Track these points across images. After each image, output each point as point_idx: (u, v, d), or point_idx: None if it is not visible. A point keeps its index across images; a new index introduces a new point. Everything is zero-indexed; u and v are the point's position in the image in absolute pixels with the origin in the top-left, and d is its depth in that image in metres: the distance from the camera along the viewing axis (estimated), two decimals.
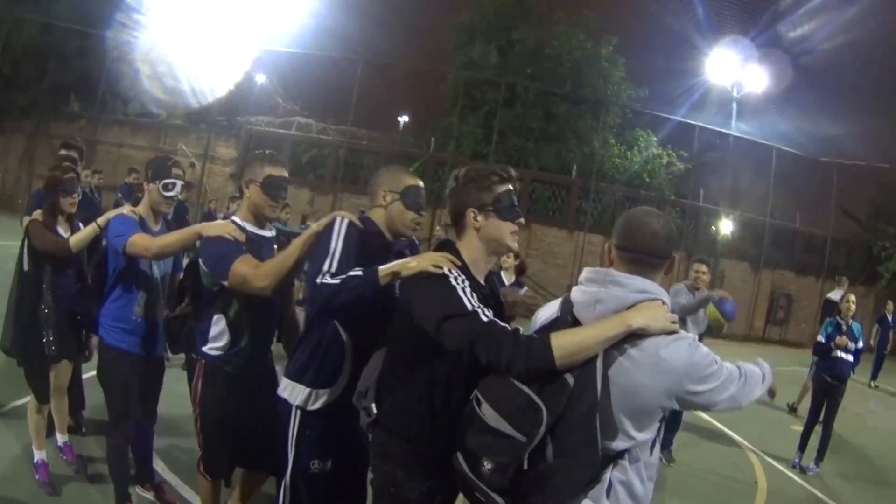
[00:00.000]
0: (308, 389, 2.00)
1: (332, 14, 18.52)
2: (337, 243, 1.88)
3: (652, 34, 17.91)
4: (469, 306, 1.53)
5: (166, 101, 19.26)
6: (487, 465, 1.45)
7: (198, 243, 2.37)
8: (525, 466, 1.41)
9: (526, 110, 17.04)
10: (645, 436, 1.45)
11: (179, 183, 2.68)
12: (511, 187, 1.74)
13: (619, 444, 1.43)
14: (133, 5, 18.41)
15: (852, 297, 5.70)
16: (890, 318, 12.52)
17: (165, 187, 2.65)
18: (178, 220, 6.46)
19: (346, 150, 17.39)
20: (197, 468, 2.43)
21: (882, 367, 11.72)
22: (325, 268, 1.81)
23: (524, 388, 1.42)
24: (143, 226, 2.61)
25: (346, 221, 1.95)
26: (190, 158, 18.20)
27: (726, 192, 17.86)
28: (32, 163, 19.54)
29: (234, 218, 2.35)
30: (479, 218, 1.70)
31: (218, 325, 2.26)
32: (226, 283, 2.11)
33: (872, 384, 11.50)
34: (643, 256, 1.50)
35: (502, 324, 1.52)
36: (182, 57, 18.81)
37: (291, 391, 2.02)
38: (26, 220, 3.47)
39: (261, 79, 19.31)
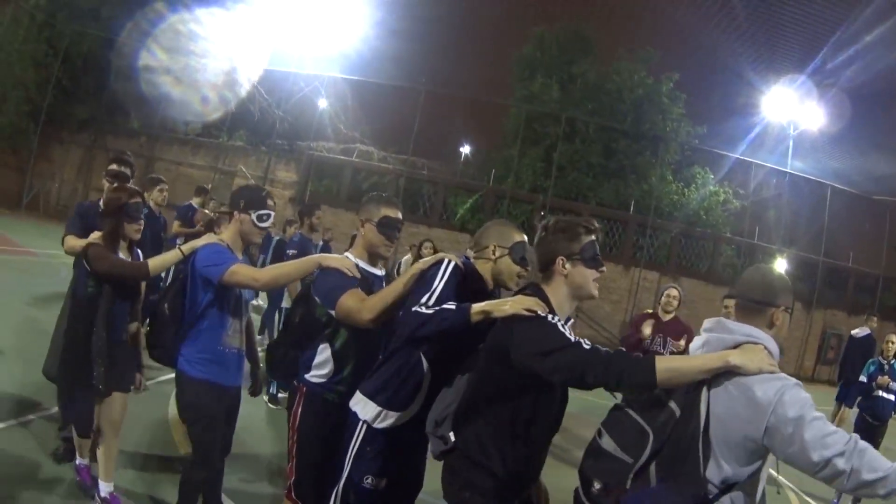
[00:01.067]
0: (379, 408, 2.08)
1: (397, 42, 18.92)
2: (440, 282, 1.99)
3: (710, 71, 18.05)
4: (572, 338, 1.67)
5: (226, 122, 19.81)
6: (597, 486, 1.62)
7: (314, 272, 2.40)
8: (628, 486, 1.57)
9: (585, 145, 17.27)
10: (741, 470, 1.53)
11: (273, 214, 2.66)
12: (595, 238, 1.91)
13: (719, 474, 1.53)
14: (195, 32, 18.89)
15: (894, 338, 5.76)
16: None
17: (260, 218, 2.60)
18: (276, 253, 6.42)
19: (405, 179, 17.76)
20: (286, 495, 2.40)
21: None
22: (424, 300, 1.92)
23: (637, 416, 1.64)
24: None
25: (452, 264, 2.05)
26: (249, 180, 18.68)
27: (781, 230, 17.97)
28: (90, 174, 20.11)
29: (349, 254, 2.42)
30: (567, 266, 1.86)
31: (323, 353, 2.33)
32: (333, 313, 2.20)
33: None
34: (744, 302, 1.70)
35: (605, 349, 1.69)
36: (245, 79, 19.34)
37: (363, 406, 2.11)
38: (72, 240, 3.33)
39: (323, 104, 19.73)
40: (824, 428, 1.48)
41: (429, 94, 17.89)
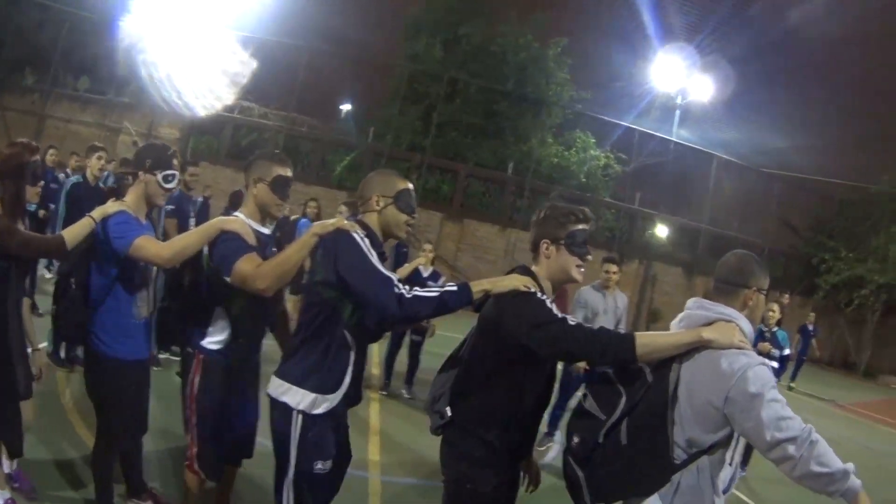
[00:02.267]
0: (313, 395, 2.00)
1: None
2: (371, 255, 1.95)
3: (601, 39, 17.97)
4: (558, 314, 1.76)
5: (116, 78, 19.19)
6: (575, 440, 1.79)
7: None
8: (600, 440, 1.70)
9: (466, 106, 17.08)
10: (705, 436, 1.62)
11: (178, 175, 2.50)
12: (585, 227, 1.97)
13: (683, 437, 1.63)
14: None
15: (775, 306, 5.82)
16: (811, 329, 13.23)
17: (166, 179, 2.44)
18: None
19: (284, 136, 17.35)
20: (187, 467, 2.33)
21: (800, 372, 12.56)
22: (393, 279, 1.88)
23: (614, 379, 1.77)
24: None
25: (359, 235, 1.99)
26: (133, 137, 18.14)
27: (665, 197, 17.93)
28: None
29: (240, 215, 2.32)
30: (551, 249, 1.95)
31: (219, 318, 2.27)
32: (228, 279, 2.11)
33: (791, 385, 12.12)
34: (719, 283, 1.83)
35: (587, 325, 1.79)
36: (135, 35, 18.75)
37: (294, 395, 2.01)
38: None
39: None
40: (781, 411, 1.53)
41: (313, 51, 17.49)
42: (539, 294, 1.83)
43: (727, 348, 1.64)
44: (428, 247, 5.95)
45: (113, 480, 2.57)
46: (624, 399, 1.70)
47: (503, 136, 17.10)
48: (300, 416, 1.99)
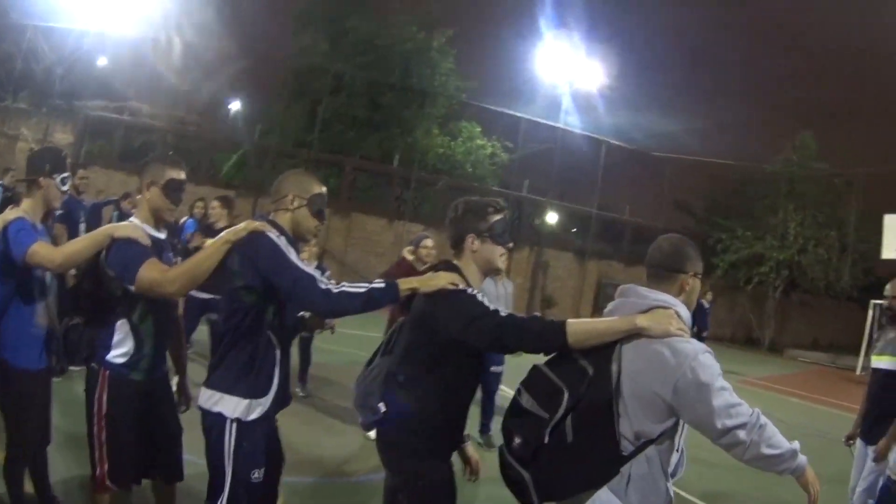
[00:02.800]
0: (246, 401, 1.98)
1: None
2: (290, 252, 1.96)
3: (488, 28, 18.16)
4: (490, 307, 1.78)
5: (13, 84, 19.01)
6: (517, 441, 1.71)
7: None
8: (546, 440, 1.64)
9: (352, 99, 17.19)
10: (653, 426, 1.58)
11: (70, 178, 2.50)
12: (502, 217, 2.00)
13: (631, 429, 1.59)
14: None
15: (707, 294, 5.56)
16: (707, 306, 13.59)
17: (63, 181, 2.45)
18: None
19: (172, 136, 17.39)
20: (94, 485, 2.25)
21: None
22: (317, 275, 1.91)
23: (552, 375, 1.71)
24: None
25: (274, 234, 1.99)
26: (31, 144, 18.06)
27: (554, 184, 18.25)
28: None
29: (135, 220, 2.29)
30: (477, 242, 1.97)
31: (121, 330, 2.21)
32: (132, 287, 2.07)
33: None
34: (653, 269, 1.76)
35: (520, 315, 1.81)
36: (32, 37, 18.58)
37: (226, 404, 1.97)
38: None
39: (103, 62, 19.13)
40: (730, 398, 1.53)
41: (201, 50, 17.52)
42: (468, 289, 1.86)
43: (664, 336, 1.60)
44: (311, 241, 5.71)
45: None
46: (566, 395, 1.64)
47: (389, 128, 17.27)
48: (234, 425, 1.98)
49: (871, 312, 15.40)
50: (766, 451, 1.52)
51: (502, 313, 1.76)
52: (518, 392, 1.79)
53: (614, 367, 1.62)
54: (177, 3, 17.95)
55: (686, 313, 1.70)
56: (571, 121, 18.01)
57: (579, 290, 18.27)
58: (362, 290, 1.88)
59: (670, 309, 1.66)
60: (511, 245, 2.03)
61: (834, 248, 20.17)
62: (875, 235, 16.23)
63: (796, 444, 1.56)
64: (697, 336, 11.94)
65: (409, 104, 17.28)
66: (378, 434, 2.01)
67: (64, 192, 2.48)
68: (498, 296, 4.89)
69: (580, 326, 1.68)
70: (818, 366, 17.37)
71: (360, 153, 17.04)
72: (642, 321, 1.62)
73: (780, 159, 20.39)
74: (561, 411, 1.63)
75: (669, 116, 18.69)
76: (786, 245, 20.05)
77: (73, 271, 2.50)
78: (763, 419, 1.54)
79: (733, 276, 20.16)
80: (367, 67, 17.49)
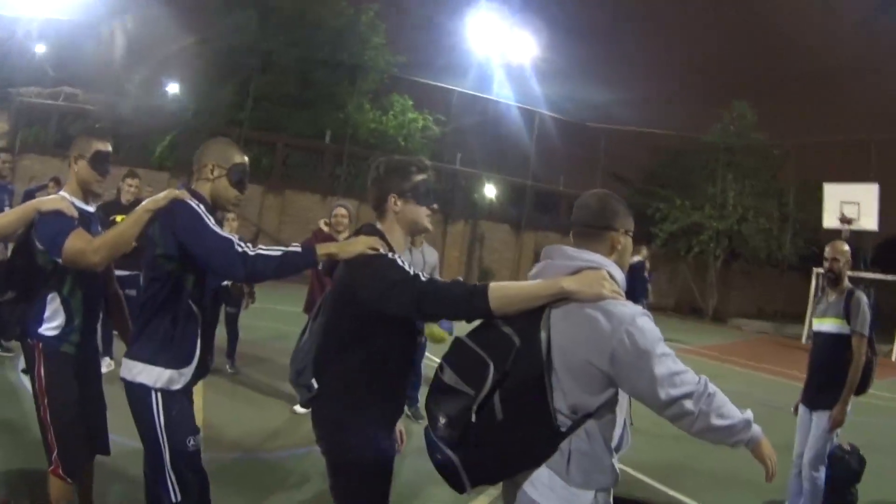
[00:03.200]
0: (169, 371, 1.97)
1: None
2: (208, 219, 1.95)
3: (419, 2, 18.24)
4: (410, 271, 1.70)
5: None
6: (441, 420, 1.56)
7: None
8: (473, 419, 1.49)
9: (282, 76, 17.28)
10: (590, 399, 1.46)
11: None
12: (426, 176, 1.94)
13: (566, 403, 1.46)
14: None
15: (644, 250, 5.04)
16: (643, 266, 13.84)
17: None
18: None
19: (108, 120, 17.40)
20: (51, 472, 2.20)
21: None
22: (234, 239, 1.90)
23: (475, 347, 1.57)
24: None
25: (193, 201, 1.98)
26: None
27: (488, 157, 18.48)
28: None
29: (63, 193, 2.29)
30: (399, 203, 1.89)
31: (52, 304, 2.22)
32: (60, 259, 2.07)
33: None
34: (580, 228, 1.62)
35: (441, 279, 1.76)
36: None
37: (149, 374, 1.97)
38: None
39: (41, 49, 19.07)
40: (674, 366, 1.39)
41: (129, 33, 17.53)
42: (389, 253, 1.78)
43: (596, 300, 1.46)
44: (230, 216, 5.47)
45: None
46: (492, 369, 1.49)
47: (320, 105, 17.40)
48: (159, 395, 1.96)
49: (814, 281, 15.61)
50: (717, 421, 1.40)
51: (422, 278, 1.68)
52: (440, 367, 1.64)
53: (543, 336, 1.49)
54: None
55: (620, 274, 1.57)
56: (504, 93, 18.26)
57: (517, 262, 18.58)
58: (278, 253, 1.88)
59: (601, 269, 1.52)
60: (435, 206, 1.95)
61: (774, 217, 20.48)
62: (815, 205, 16.61)
63: (749, 414, 1.45)
64: (633, 301, 12.30)
65: (340, 80, 17.40)
66: (312, 409, 1.92)
67: None
68: (414, 263, 4.68)
69: (503, 291, 1.57)
70: (763, 334, 17.55)
71: (293, 131, 17.18)
72: (570, 284, 1.49)
73: (718, 128, 20.70)
74: (487, 386, 1.48)
75: (604, 87, 18.94)
76: (725, 215, 20.39)
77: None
78: (712, 387, 1.43)
79: (673, 246, 20.52)
80: (297, 44, 17.57)
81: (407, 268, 1.71)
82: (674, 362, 1.41)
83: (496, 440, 1.49)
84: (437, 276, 4.57)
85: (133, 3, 18.06)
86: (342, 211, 4.75)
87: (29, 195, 7.27)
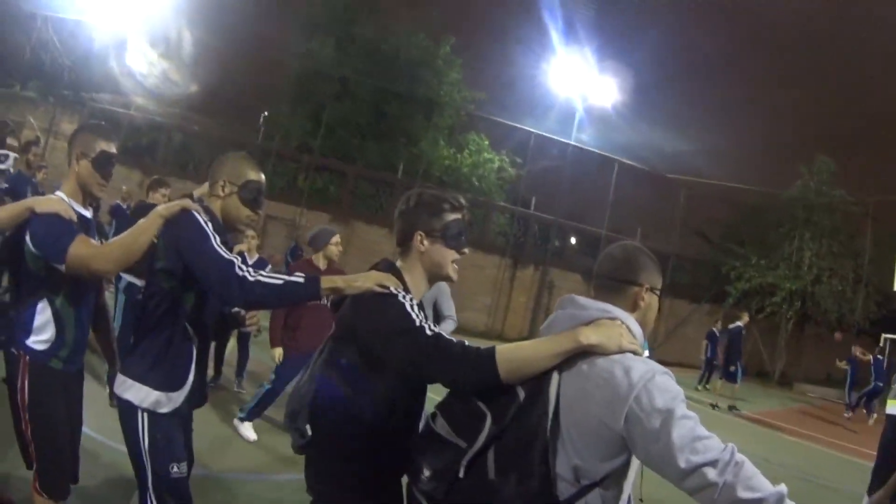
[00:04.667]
0: (158, 392, 1.88)
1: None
2: (213, 236, 1.84)
3: (499, 38, 17.72)
4: (416, 321, 1.52)
5: (22, 72, 19.05)
6: (426, 472, 1.44)
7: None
8: (461, 475, 1.36)
9: (357, 105, 16.80)
10: (599, 465, 1.30)
11: (11, 155, 2.49)
12: (460, 217, 1.74)
13: (570, 468, 1.30)
14: None
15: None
16: (718, 333, 13.74)
17: (0, 158, 2.40)
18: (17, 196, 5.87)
19: (179, 133, 17.17)
20: (33, 489, 2.10)
21: (712, 377, 12.89)
22: (236, 261, 1.77)
23: (474, 398, 1.42)
24: None
25: (202, 216, 1.88)
26: (36, 132, 18.01)
27: (563, 202, 17.69)
28: None
29: (61, 194, 2.13)
30: (426, 242, 1.71)
31: (43, 314, 2.07)
32: (60, 266, 1.94)
33: (699, 387, 12.88)
34: (602, 280, 1.48)
35: (448, 337, 1.49)
36: (45, 28, 18.63)
37: (137, 392, 1.88)
38: None
39: (114, 57, 19.00)
40: (696, 429, 1.23)
41: (210, 51, 17.33)
42: (401, 295, 1.58)
43: (615, 352, 1.32)
44: (251, 233, 5.43)
45: None
46: (489, 421, 1.37)
47: (393, 137, 16.87)
48: (145, 415, 1.88)
49: (882, 347, 14.75)
50: (744, 494, 1.20)
51: (428, 332, 1.48)
52: (433, 415, 1.53)
53: (552, 391, 1.34)
54: (189, 4, 17.80)
55: (637, 329, 1.43)
56: (583, 138, 17.49)
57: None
58: (279, 281, 1.74)
59: (617, 319, 1.40)
60: (466, 251, 1.73)
61: (848, 279, 19.42)
62: (889, 266, 15.62)
63: (783, 488, 1.24)
64: (729, 366, 11.52)
65: (415, 113, 16.86)
66: (305, 457, 1.72)
67: (2, 172, 2.41)
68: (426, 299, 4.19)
69: (512, 353, 1.39)
70: (826, 401, 16.60)
71: (364, 161, 16.64)
72: (588, 335, 1.34)
73: (798, 185, 19.70)
74: (482, 440, 1.36)
75: (684, 136, 18.05)
76: (800, 275, 19.36)
77: None
78: (739, 456, 1.25)
79: (745, 305, 19.45)
80: (373, 75, 17.14)
81: (415, 315, 1.54)
82: (696, 426, 1.25)
83: (485, 502, 1.34)
84: (447, 305, 4.24)
85: (209, 21, 17.90)
86: (337, 239, 4.39)
87: (119, 211, 6.70)
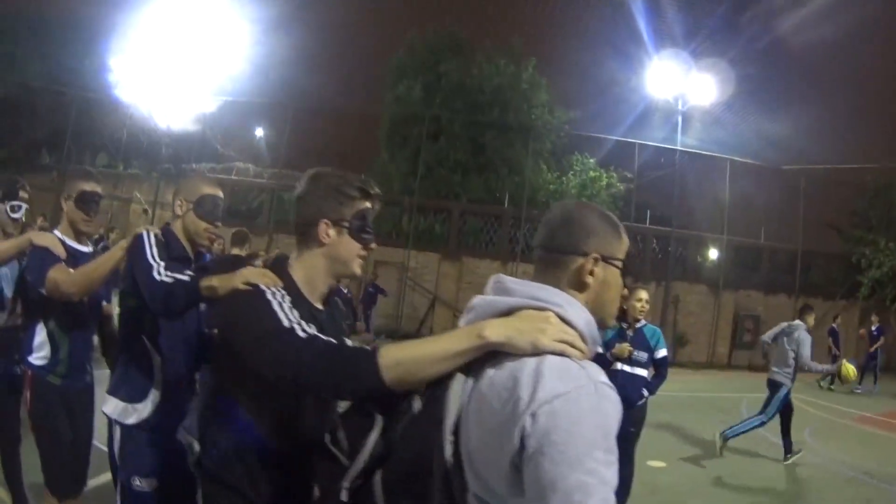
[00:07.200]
0: (122, 404, 2.02)
1: (278, 63, 18.84)
2: (153, 251, 1.90)
3: (587, 50, 17.24)
4: (285, 321, 1.29)
5: (125, 153, 20.21)
6: (317, 493, 1.33)
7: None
8: (343, 498, 1.11)
9: (451, 142, 16.63)
10: (516, 500, 0.94)
11: (24, 206, 2.77)
12: (371, 206, 1.54)
13: (480, 498, 0.98)
14: (99, 67, 19.61)
15: (644, 296, 4.20)
16: (874, 330, 13.47)
17: (12, 209, 2.71)
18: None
19: (275, 193, 17.44)
20: (45, 489, 2.39)
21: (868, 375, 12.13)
22: (159, 266, 1.80)
23: (369, 403, 1.18)
24: None
25: (151, 234, 1.98)
26: (143, 205, 18.95)
27: (677, 211, 16.76)
28: None
29: (56, 232, 2.45)
30: (331, 233, 1.48)
31: (40, 334, 2.35)
32: (42, 289, 2.19)
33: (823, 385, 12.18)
34: (541, 252, 1.12)
35: (325, 339, 1.26)
36: (139, 110, 19.77)
37: (108, 403, 2.07)
38: None
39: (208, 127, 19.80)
40: (596, 489, 0.84)
41: (297, 110, 17.68)
42: (270, 293, 1.35)
43: (531, 352, 0.96)
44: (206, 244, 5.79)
45: None
46: (376, 432, 1.10)
47: (494, 168, 16.54)
48: (118, 427, 2.01)
49: None
50: None
51: (301, 334, 1.24)
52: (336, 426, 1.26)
53: (451, 402, 1.01)
54: (282, 67, 18.30)
55: (584, 318, 1.03)
56: (688, 142, 16.60)
57: (714, 325, 16.50)
58: (169, 280, 1.72)
59: (547, 310, 1.01)
60: (373, 246, 1.52)
61: None
62: None
63: None
64: (862, 371, 10.98)
65: (511, 142, 16.50)
66: (199, 478, 1.52)
67: (14, 221, 2.66)
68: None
69: (399, 353, 1.09)
70: None
71: (467, 196, 16.36)
72: (494, 331, 1.00)
73: None
74: (364, 457, 1.08)
75: (793, 122, 16.84)
76: None
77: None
78: None
79: (880, 294, 17.69)
80: (462, 109, 16.95)
81: (284, 315, 1.29)
82: (602, 486, 0.84)
83: None
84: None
85: (299, 80, 18.37)
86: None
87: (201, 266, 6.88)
